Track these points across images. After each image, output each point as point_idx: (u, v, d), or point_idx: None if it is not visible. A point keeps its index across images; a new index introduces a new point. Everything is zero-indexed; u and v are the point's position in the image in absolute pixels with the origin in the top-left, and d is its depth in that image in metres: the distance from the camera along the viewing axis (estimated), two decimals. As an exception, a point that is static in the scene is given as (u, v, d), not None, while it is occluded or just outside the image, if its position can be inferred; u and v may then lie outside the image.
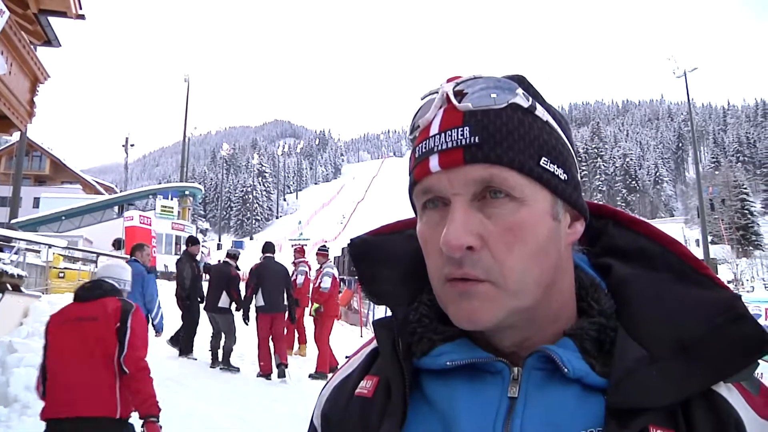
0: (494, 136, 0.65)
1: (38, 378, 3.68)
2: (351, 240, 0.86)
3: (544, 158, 0.66)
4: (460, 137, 0.65)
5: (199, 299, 10.22)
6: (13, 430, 5.78)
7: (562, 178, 0.68)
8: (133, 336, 3.52)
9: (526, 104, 0.67)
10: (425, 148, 0.68)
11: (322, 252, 11.29)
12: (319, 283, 10.39)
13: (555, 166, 0.67)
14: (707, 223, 39.26)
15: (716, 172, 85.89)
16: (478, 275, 0.64)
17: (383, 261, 0.83)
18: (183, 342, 10.08)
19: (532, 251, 0.65)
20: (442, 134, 0.66)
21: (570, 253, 0.72)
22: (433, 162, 0.66)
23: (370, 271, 0.84)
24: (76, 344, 3.51)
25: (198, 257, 11.19)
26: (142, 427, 3.42)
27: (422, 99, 0.72)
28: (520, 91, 0.67)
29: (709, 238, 39.83)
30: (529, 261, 0.65)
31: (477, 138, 0.64)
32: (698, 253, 34.03)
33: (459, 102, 0.66)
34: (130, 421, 3.52)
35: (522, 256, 0.64)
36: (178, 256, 10.73)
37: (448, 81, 0.70)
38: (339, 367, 0.88)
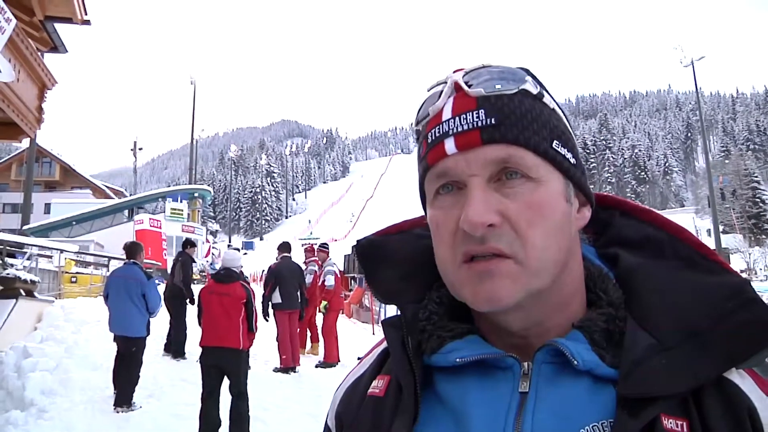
0: (510, 117, 0.66)
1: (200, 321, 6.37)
2: (357, 241, 0.86)
3: (555, 141, 0.68)
4: (475, 119, 0.66)
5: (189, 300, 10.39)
6: (31, 435, 5.83)
7: (572, 162, 0.69)
8: (255, 310, 6.39)
9: (535, 91, 0.68)
10: (439, 132, 0.68)
11: (323, 249, 11.52)
12: (323, 281, 10.73)
13: (565, 150, 0.69)
14: (718, 213, 39.00)
15: (726, 161, 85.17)
16: (503, 249, 0.64)
17: (390, 260, 0.83)
18: (176, 343, 10.07)
19: (552, 229, 0.66)
20: (457, 118, 0.67)
21: (578, 238, 0.72)
22: (449, 144, 0.67)
23: (377, 271, 0.84)
24: (218, 307, 6.13)
25: (209, 259, 11.33)
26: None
27: (429, 90, 0.73)
28: (529, 78, 0.68)
29: (721, 228, 39.58)
30: (549, 238, 0.65)
31: (493, 119, 0.66)
32: (710, 243, 33.80)
33: (470, 89, 0.68)
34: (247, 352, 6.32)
35: (543, 232, 0.65)
36: (180, 258, 10.74)
37: (455, 72, 0.71)
38: (351, 368, 0.88)
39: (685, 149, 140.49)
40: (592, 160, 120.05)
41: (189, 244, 11.19)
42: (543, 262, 0.65)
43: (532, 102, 0.68)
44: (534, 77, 0.70)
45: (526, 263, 0.65)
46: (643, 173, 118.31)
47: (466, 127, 0.66)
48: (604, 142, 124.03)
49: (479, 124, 0.66)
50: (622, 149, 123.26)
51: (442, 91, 0.71)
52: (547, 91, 0.71)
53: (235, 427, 5.94)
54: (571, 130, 0.72)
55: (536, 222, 0.65)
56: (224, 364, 6.02)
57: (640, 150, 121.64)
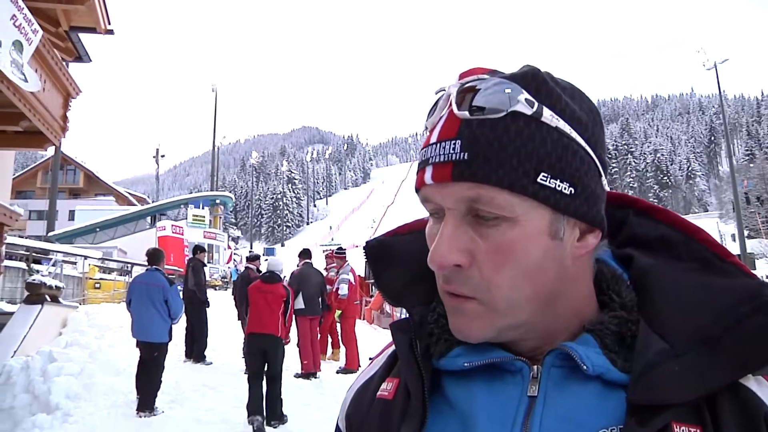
0: (484, 151, 0.61)
1: (242, 313, 8.42)
2: (367, 242, 0.84)
3: (543, 174, 0.61)
4: (451, 151, 0.62)
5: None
6: (56, 438, 5.91)
7: (567, 192, 0.63)
8: (292, 308, 7.75)
9: (529, 111, 0.61)
10: (425, 156, 0.66)
11: (339, 255, 11.50)
12: (337, 288, 10.69)
13: (557, 181, 0.62)
14: (743, 217, 38.38)
15: (751, 165, 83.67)
16: (465, 293, 0.64)
17: (400, 261, 0.81)
18: (197, 348, 10.29)
19: (523, 270, 0.63)
20: (438, 145, 0.64)
21: (583, 264, 0.69)
22: (428, 174, 0.65)
23: (386, 273, 0.82)
24: (264, 302, 7.37)
25: (231, 264, 11.67)
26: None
27: (436, 94, 0.70)
28: (523, 96, 0.62)
29: (746, 233, 38.93)
30: (519, 280, 0.63)
31: (466, 154, 0.61)
32: (735, 248, 33.33)
33: (459, 106, 0.63)
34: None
35: (510, 275, 0.63)
36: (191, 264, 11.06)
37: (460, 77, 0.67)
38: (362, 369, 0.88)
39: (708, 153, 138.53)
40: (614, 165, 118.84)
41: (199, 249, 11.59)
42: (511, 303, 0.63)
43: (522, 127, 0.61)
44: (540, 85, 0.63)
45: (492, 305, 0.63)
46: (665, 178, 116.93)
47: (442, 158, 0.63)
48: (625, 147, 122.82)
49: (453, 157, 0.62)
50: (644, 154, 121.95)
51: (440, 102, 0.68)
52: (554, 101, 0.63)
53: (270, 407, 7.02)
54: (583, 144, 0.65)
55: (503, 266, 0.62)
56: (267, 348, 7.18)
57: (662, 154, 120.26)
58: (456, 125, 0.63)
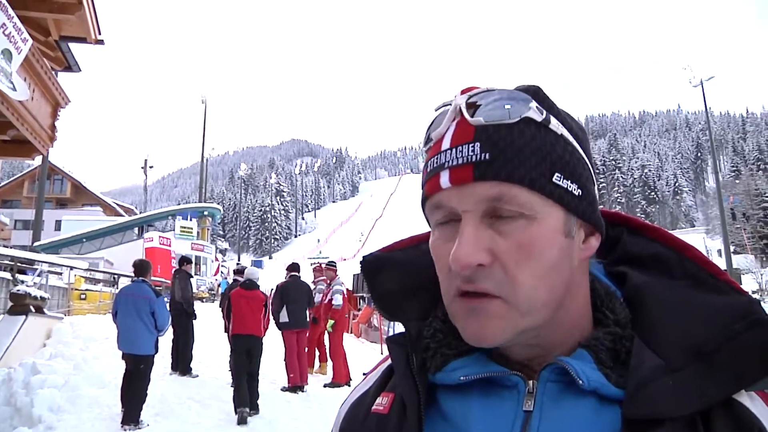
0: (505, 152, 0.63)
1: (225, 319, 9.33)
2: (363, 257, 0.85)
3: (557, 174, 0.65)
4: (470, 154, 0.64)
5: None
6: (38, 452, 5.82)
7: (576, 194, 0.66)
8: (268, 310, 8.75)
9: (539, 118, 0.65)
10: (437, 162, 0.67)
11: (331, 267, 11.55)
12: (330, 299, 10.72)
13: (568, 182, 0.66)
14: (729, 233, 38.71)
15: (737, 181, 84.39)
16: (490, 290, 0.64)
17: (396, 276, 0.82)
18: (183, 361, 10.17)
19: (543, 269, 0.64)
20: (454, 150, 0.65)
21: (585, 268, 0.71)
22: (444, 178, 0.65)
23: (382, 287, 0.83)
24: (246, 306, 8.33)
25: (219, 276, 11.74)
26: None
27: (436, 110, 0.71)
28: (533, 104, 0.65)
29: (732, 248, 39.24)
30: (540, 279, 0.64)
31: (487, 155, 0.63)
32: (721, 263, 33.51)
33: (471, 116, 0.65)
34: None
35: (533, 273, 0.64)
36: (177, 276, 11.02)
37: (462, 93, 0.69)
38: (356, 384, 0.87)
39: (695, 169, 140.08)
40: (602, 180, 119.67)
41: (185, 261, 11.55)
42: (533, 302, 0.64)
43: (534, 131, 0.65)
44: (543, 99, 0.67)
45: (515, 303, 0.64)
46: (652, 193, 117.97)
47: (461, 161, 0.64)
48: (613, 162, 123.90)
49: (473, 159, 0.64)
50: (632, 169, 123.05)
51: (443, 115, 0.69)
52: (556, 115, 0.68)
53: (251, 399, 7.89)
54: (583, 155, 0.69)
55: (526, 262, 0.63)
56: (250, 347, 8.19)
57: (649, 170, 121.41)
58: (471, 131, 0.65)
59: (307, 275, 11.49)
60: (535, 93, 0.67)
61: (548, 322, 0.66)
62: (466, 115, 0.66)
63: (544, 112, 0.66)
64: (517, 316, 0.64)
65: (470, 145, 0.64)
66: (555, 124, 0.66)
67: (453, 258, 0.63)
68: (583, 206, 0.67)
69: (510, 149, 0.64)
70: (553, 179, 0.65)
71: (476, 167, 0.63)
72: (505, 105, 0.65)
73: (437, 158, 0.67)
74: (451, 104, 0.69)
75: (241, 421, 7.34)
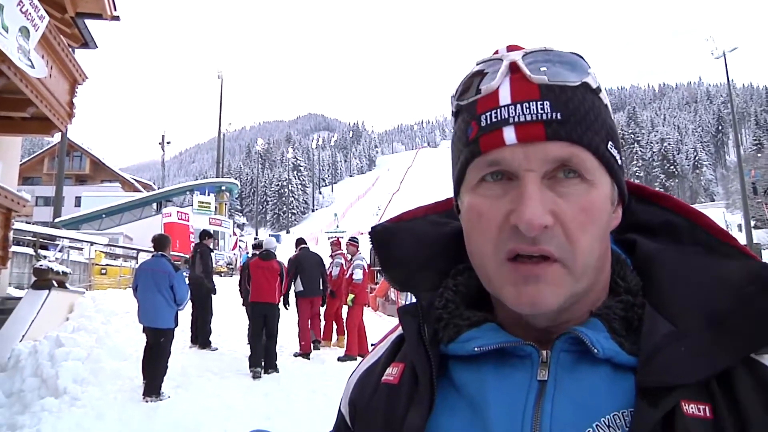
0: (575, 114, 0.63)
1: (242, 290, 10.41)
2: (372, 227, 0.84)
3: (611, 142, 0.66)
4: (540, 111, 0.62)
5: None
6: (64, 421, 5.97)
7: (620, 163, 0.67)
8: (283, 279, 9.60)
9: (594, 85, 0.65)
10: (495, 117, 0.64)
11: (353, 243, 11.73)
12: (351, 274, 10.85)
13: (616, 152, 0.67)
14: (750, 208, 38.22)
15: (759, 155, 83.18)
16: (553, 252, 0.62)
17: (406, 247, 0.82)
18: (202, 334, 10.38)
19: (599, 234, 0.64)
20: (518, 105, 0.63)
21: (608, 238, 0.70)
22: (509, 134, 0.63)
23: (392, 258, 0.82)
24: (263, 275, 9.19)
25: (236, 252, 12.02)
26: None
27: (479, 64, 0.69)
28: (591, 70, 0.65)
29: (753, 223, 38.82)
30: (595, 243, 0.64)
31: (559, 114, 0.62)
32: (741, 238, 33.19)
33: (532, 74, 0.64)
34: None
35: (591, 237, 0.63)
36: (198, 249, 11.10)
37: (510, 49, 0.67)
38: (366, 354, 0.87)
39: (715, 143, 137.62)
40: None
41: (206, 235, 11.57)
42: (587, 267, 0.64)
43: (593, 98, 0.65)
44: (590, 66, 0.67)
45: (573, 267, 0.63)
46: (672, 167, 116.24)
47: (529, 117, 0.62)
48: (632, 136, 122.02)
49: (544, 117, 0.62)
50: (651, 143, 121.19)
51: (494, 69, 0.66)
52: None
53: (267, 358, 8.82)
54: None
55: (587, 226, 0.63)
56: (266, 313, 9.01)
57: (669, 143, 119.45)
58: (534, 89, 0.63)
59: (324, 249, 11.69)
60: (584, 59, 0.67)
61: (588, 288, 0.66)
62: (527, 72, 0.64)
63: (597, 80, 0.66)
64: (572, 281, 0.64)
65: (538, 102, 0.63)
66: (604, 94, 0.67)
67: (521, 216, 0.61)
68: (620, 176, 0.68)
69: (578, 112, 0.63)
70: (608, 147, 0.65)
71: (547, 125, 0.62)
72: (565, 68, 0.64)
73: (495, 112, 0.64)
74: (501, 59, 0.66)
75: (256, 376, 8.41)
